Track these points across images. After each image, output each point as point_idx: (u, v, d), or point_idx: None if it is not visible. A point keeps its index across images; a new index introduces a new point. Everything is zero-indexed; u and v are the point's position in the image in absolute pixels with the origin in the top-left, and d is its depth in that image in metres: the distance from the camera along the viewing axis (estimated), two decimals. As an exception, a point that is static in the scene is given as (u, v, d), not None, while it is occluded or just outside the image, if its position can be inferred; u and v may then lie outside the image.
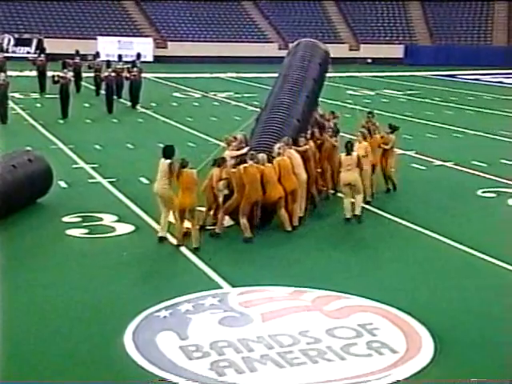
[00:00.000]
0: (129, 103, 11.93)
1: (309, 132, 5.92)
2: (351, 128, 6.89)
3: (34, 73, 14.22)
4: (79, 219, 5.38)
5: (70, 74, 11.67)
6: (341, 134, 6.34)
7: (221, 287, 4.08)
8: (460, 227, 5.40)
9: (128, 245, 4.90)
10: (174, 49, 22.49)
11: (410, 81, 17.88)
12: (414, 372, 3.13)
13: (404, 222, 5.44)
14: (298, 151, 5.40)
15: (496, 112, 12.15)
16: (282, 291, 3.99)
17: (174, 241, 4.83)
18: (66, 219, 5.38)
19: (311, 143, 5.73)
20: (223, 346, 3.31)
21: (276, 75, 6.70)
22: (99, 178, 6.82)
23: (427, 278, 4.32)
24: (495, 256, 4.65)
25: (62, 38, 21.30)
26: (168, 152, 4.86)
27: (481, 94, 14.99)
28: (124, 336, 3.42)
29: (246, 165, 4.96)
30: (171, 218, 4.84)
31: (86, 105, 12.09)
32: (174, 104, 12.69)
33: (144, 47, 21.27)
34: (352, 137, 6.42)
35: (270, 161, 5.14)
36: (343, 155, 5.42)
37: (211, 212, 5.18)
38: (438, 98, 14.00)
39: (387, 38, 24.82)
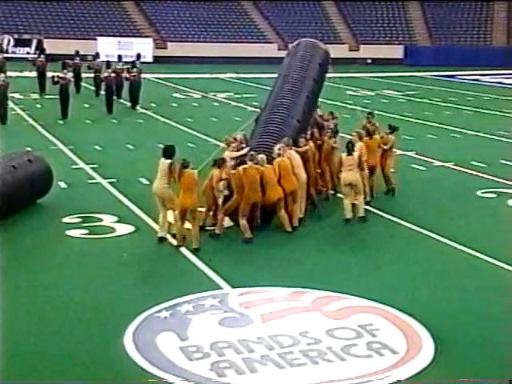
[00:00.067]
0: (128, 104, 11.93)
1: (309, 132, 5.92)
2: (351, 128, 6.86)
3: (34, 73, 14.22)
4: (79, 220, 5.38)
5: (70, 75, 11.68)
6: (341, 134, 6.34)
7: (221, 288, 4.08)
8: (460, 228, 5.41)
9: (128, 245, 4.90)
10: (174, 49, 22.49)
11: (410, 81, 17.89)
12: (415, 373, 3.13)
13: (404, 223, 5.45)
14: (298, 152, 5.41)
15: (495, 112, 12.15)
16: (282, 292, 3.99)
17: (173, 241, 4.83)
18: (65, 220, 5.39)
19: (311, 144, 5.74)
20: (223, 346, 3.31)
21: (275, 76, 6.71)
22: (99, 179, 6.82)
23: (427, 279, 4.33)
24: (495, 256, 4.65)
25: (62, 39, 21.30)
26: (168, 152, 4.86)
27: (480, 95, 15.00)
28: (124, 337, 3.42)
29: (245, 166, 4.97)
30: (170, 218, 4.84)
31: (86, 105, 12.09)
32: (174, 104, 12.70)
33: (144, 48, 21.26)
34: (350, 137, 6.43)
35: (269, 162, 5.15)
36: (344, 155, 5.41)
37: (211, 213, 5.18)
38: (437, 99, 14.00)
39: (387, 39, 24.82)
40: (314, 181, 5.75)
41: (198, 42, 23.11)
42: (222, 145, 6.17)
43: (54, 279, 4.26)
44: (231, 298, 3.91)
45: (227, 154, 5.42)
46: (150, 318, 3.64)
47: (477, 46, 24.65)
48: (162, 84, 16.35)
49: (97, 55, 14.79)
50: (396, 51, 23.98)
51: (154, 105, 12.21)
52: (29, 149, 6.79)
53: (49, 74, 12.59)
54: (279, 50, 21.76)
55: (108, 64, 12.51)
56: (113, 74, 11.65)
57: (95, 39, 21.45)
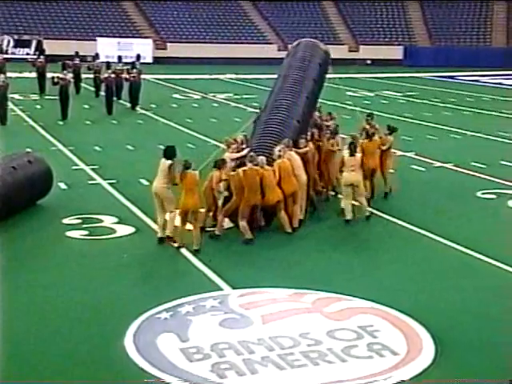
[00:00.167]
0: (128, 104, 11.94)
1: (309, 133, 5.92)
2: (351, 129, 6.86)
3: (34, 74, 14.22)
4: (79, 221, 5.38)
5: (70, 76, 11.67)
6: (341, 135, 6.32)
7: (221, 289, 4.08)
8: (459, 228, 5.41)
9: (128, 246, 4.90)
10: (174, 50, 22.50)
11: (410, 82, 17.90)
12: (415, 374, 3.13)
13: (404, 224, 5.45)
14: (298, 153, 5.40)
15: (495, 113, 12.16)
16: (282, 293, 3.99)
17: (172, 243, 4.82)
18: (66, 221, 5.39)
19: (311, 145, 5.74)
20: (224, 347, 3.31)
21: (275, 76, 6.70)
22: (99, 180, 6.82)
23: (427, 280, 4.33)
24: (495, 257, 4.65)
25: (62, 40, 21.30)
26: (169, 153, 4.87)
27: (480, 96, 15.01)
28: (125, 337, 3.42)
29: (245, 168, 4.96)
30: (167, 217, 4.82)
31: (86, 106, 12.09)
32: (174, 105, 12.70)
33: (143, 48, 21.27)
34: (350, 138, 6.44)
35: (270, 163, 5.15)
36: (347, 156, 5.40)
37: (211, 213, 5.18)
38: (437, 100, 14.01)
39: (386, 40, 24.84)
40: (314, 182, 5.75)
41: (197, 42, 23.12)
42: (222, 146, 6.16)
43: (53, 279, 4.26)
44: (231, 299, 3.91)
45: (227, 155, 5.42)
46: (150, 319, 3.64)
47: (476, 47, 24.67)
48: (162, 85, 16.35)
49: (96, 56, 14.83)
50: (395, 52, 24.01)
51: (153, 105, 12.21)
52: (29, 150, 6.76)
53: (49, 75, 12.60)
54: (279, 50, 21.78)
55: (108, 65, 12.58)
56: (113, 75, 11.66)
57: (95, 40, 21.44)
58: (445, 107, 12.96)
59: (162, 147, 5.13)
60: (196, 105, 12.95)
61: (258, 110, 6.77)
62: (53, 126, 10.02)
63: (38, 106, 12.06)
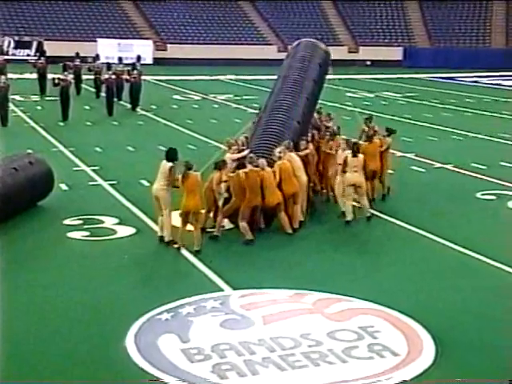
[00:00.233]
0: (129, 105, 11.95)
1: (309, 135, 5.93)
2: (350, 130, 6.89)
3: (35, 75, 14.25)
4: (80, 222, 5.39)
5: (71, 77, 11.72)
6: (343, 136, 6.31)
7: (222, 290, 4.09)
8: (460, 229, 5.42)
9: (129, 247, 4.91)
10: (174, 51, 22.53)
11: (409, 83, 17.93)
12: (416, 374, 3.14)
13: (404, 225, 5.46)
14: (299, 155, 5.41)
15: (495, 114, 12.17)
16: (282, 294, 4.00)
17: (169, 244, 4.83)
18: (67, 222, 5.40)
19: (311, 146, 5.74)
20: (225, 348, 3.32)
21: (275, 77, 6.70)
22: (100, 181, 6.83)
23: (427, 280, 4.34)
24: (495, 258, 4.66)
25: (62, 41, 21.33)
26: (171, 155, 4.88)
27: (480, 97, 15.03)
28: (126, 338, 3.43)
29: (246, 170, 4.97)
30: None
31: (87, 107, 12.11)
32: (174, 106, 12.72)
33: (144, 49, 21.29)
34: (352, 139, 6.41)
35: (270, 164, 5.16)
36: (349, 157, 5.41)
37: (211, 214, 5.19)
38: (436, 101, 14.02)
39: (386, 41, 24.88)
40: (313, 183, 5.75)
41: (197, 43, 23.14)
42: (223, 147, 6.16)
43: (54, 280, 4.27)
44: (232, 299, 3.91)
45: (228, 156, 5.43)
46: (151, 319, 3.65)
47: (476, 48, 24.71)
48: (162, 86, 16.37)
49: (97, 57, 14.91)
50: (395, 53, 24.04)
51: (154, 107, 12.22)
52: (30, 151, 6.76)
53: (49, 76, 12.64)
54: (279, 51, 21.81)
55: (109, 66, 12.59)
56: (113, 76, 11.67)
57: (95, 41, 21.47)
58: (444, 108, 12.97)
59: (163, 148, 5.19)
60: (196, 106, 12.96)
61: (257, 111, 6.80)
62: (53, 127, 10.03)
63: (39, 107, 12.08)
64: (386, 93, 15.57)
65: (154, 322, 3.62)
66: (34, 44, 21.58)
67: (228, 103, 13.32)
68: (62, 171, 6.60)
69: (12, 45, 21.53)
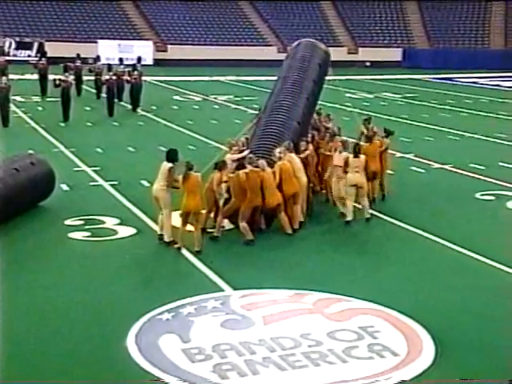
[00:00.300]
0: (129, 106, 11.98)
1: (309, 135, 5.94)
2: (349, 131, 6.90)
3: (36, 76, 14.26)
4: (81, 222, 5.41)
5: (71, 78, 11.74)
6: (343, 137, 6.34)
7: (222, 290, 4.11)
8: (459, 230, 5.43)
9: (130, 248, 4.93)
10: (174, 52, 22.55)
11: (408, 84, 17.95)
12: (416, 374, 3.15)
13: (403, 225, 5.48)
14: (299, 157, 5.42)
15: (493, 115, 12.19)
16: (283, 294, 4.02)
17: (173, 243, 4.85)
18: (68, 222, 5.41)
19: (311, 147, 5.76)
20: (225, 348, 3.33)
21: (275, 78, 6.71)
22: (101, 181, 6.84)
23: (426, 281, 4.36)
24: (494, 258, 4.68)
25: (63, 42, 21.33)
26: (171, 156, 4.90)
27: (478, 97, 15.06)
28: (127, 338, 3.44)
29: (246, 170, 4.98)
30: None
31: (87, 108, 12.13)
32: (175, 107, 12.74)
33: (144, 50, 21.28)
34: (352, 140, 6.43)
35: (270, 165, 5.17)
36: (351, 157, 5.42)
37: (212, 215, 5.21)
38: (435, 101, 14.05)
39: (385, 42, 24.91)
40: (313, 184, 5.76)
41: (198, 44, 23.15)
42: (224, 147, 6.19)
43: (55, 280, 4.29)
44: (233, 300, 3.93)
45: (228, 157, 5.45)
46: (152, 319, 3.66)
47: (475, 49, 24.73)
48: (163, 87, 16.39)
49: (97, 58, 14.85)
50: (394, 54, 24.07)
51: (154, 107, 12.24)
52: (31, 151, 6.79)
53: (50, 77, 12.64)
54: (278, 52, 21.84)
55: (109, 67, 12.53)
56: (114, 77, 11.69)
57: (96, 42, 21.51)
58: (443, 109, 12.98)
59: (163, 149, 5.22)
60: (197, 106, 12.98)
61: (257, 112, 6.80)
62: (54, 127, 10.04)
63: (40, 108, 12.09)
64: (386, 93, 15.59)
65: (154, 322, 3.63)
66: (35, 45, 21.59)
67: (228, 104, 13.33)
68: (62, 172, 6.61)
69: (13, 46, 21.55)
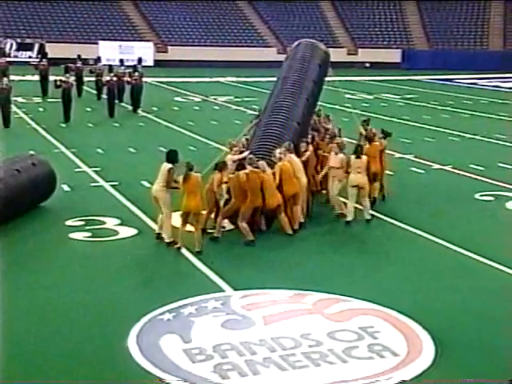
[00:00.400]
0: (130, 107, 12.00)
1: (309, 136, 5.95)
2: (349, 132, 6.91)
3: (37, 77, 14.30)
4: (82, 223, 5.42)
5: (72, 79, 11.78)
6: (344, 138, 6.34)
7: (223, 290, 4.12)
8: (458, 230, 5.45)
9: (131, 248, 4.94)
10: (175, 53, 22.58)
11: (408, 85, 17.98)
12: (416, 375, 3.16)
13: (403, 226, 5.49)
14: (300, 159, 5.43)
15: (493, 116, 12.21)
16: (283, 294, 4.03)
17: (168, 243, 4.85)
18: (69, 223, 5.42)
19: (311, 147, 5.77)
20: (226, 348, 3.35)
21: (275, 79, 6.72)
22: (102, 182, 6.86)
23: (426, 281, 4.37)
24: (493, 259, 4.70)
25: (64, 43, 21.35)
26: (171, 156, 4.91)
27: (477, 98, 15.09)
28: (128, 338, 3.45)
29: (246, 171, 4.99)
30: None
31: (88, 109, 12.16)
32: (175, 108, 12.77)
33: (144, 52, 21.31)
34: (352, 141, 6.48)
35: (270, 165, 5.18)
36: (353, 158, 5.44)
37: (212, 215, 5.23)
38: (435, 102, 14.07)
39: (385, 43, 24.94)
40: (312, 184, 5.77)
41: (198, 45, 23.17)
42: (224, 148, 6.22)
43: (56, 281, 4.30)
44: (233, 300, 3.94)
45: (229, 158, 5.47)
46: (153, 320, 3.67)
47: (474, 50, 24.76)
48: (163, 88, 16.42)
49: (98, 59, 14.89)
50: (394, 55, 24.10)
51: (155, 108, 12.26)
52: (32, 152, 6.79)
53: (51, 78, 12.68)
54: (278, 53, 21.88)
55: (110, 68, 12.55)
56: (114, 78, 11.72)
57: (97, 43, 21.55)
58: (443, 110, 13.01)
59: (164, 150, 5.23)
60: (197, 107, 13.00)
61: (257, 113, 6.79)
62: (55, 128, 10.06)
63: (41, 109, 12.10)
64: (385, 94, 15.62)
65: (155, 323, 3.64)
66: (36, 46, 21.61)
67: (228, 105, 13.35)
68: (63, 172, 6.63)
69: (14, 47, 21.56)
